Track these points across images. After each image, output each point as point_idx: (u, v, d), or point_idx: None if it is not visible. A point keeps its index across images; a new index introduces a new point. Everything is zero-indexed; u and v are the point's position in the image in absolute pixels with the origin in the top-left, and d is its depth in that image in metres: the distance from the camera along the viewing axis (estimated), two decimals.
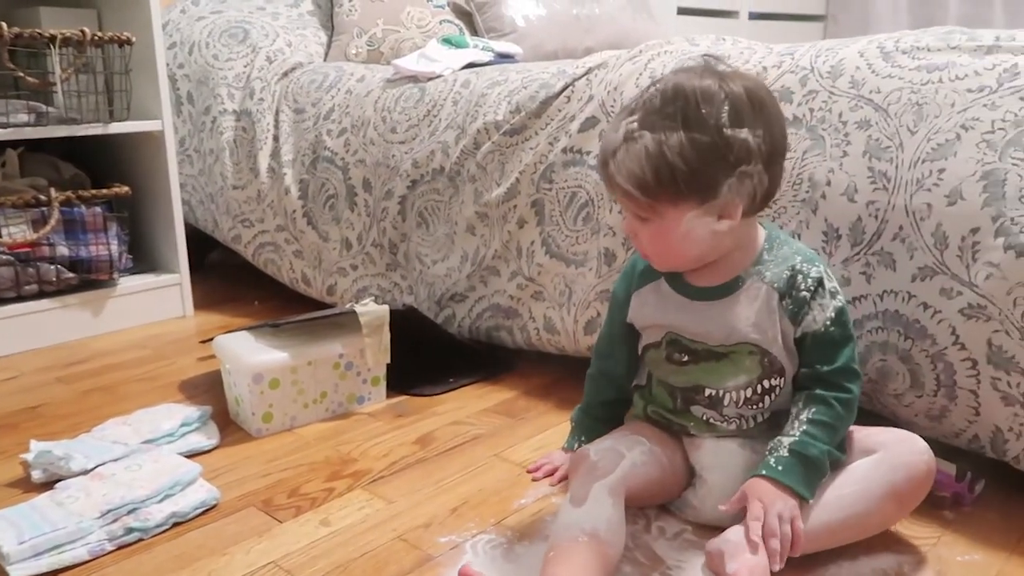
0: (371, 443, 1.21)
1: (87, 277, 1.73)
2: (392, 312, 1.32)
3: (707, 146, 0.83)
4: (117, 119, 1.75)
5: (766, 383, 0.93)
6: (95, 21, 1.86)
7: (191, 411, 1.24)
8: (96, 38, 1.66)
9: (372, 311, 1.30)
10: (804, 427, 0.89)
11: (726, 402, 0.94)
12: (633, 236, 0.92)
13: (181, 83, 2.01)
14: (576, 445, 1.06)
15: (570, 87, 1.37)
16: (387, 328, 1.31)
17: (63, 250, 1.68)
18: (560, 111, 1.36)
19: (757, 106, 0.86)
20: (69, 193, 1.68)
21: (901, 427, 1.05)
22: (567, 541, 0.83)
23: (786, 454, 0.88)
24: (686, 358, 0.95)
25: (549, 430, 1.25)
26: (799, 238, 1.08)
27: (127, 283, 1.80)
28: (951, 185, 0.97)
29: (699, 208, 0.86)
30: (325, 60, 2.08)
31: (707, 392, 0.95)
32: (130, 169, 1.87)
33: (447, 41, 1.79)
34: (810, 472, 0.87)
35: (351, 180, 1.66)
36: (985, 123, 0.97)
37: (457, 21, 2.22)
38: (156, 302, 1.84)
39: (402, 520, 1.00)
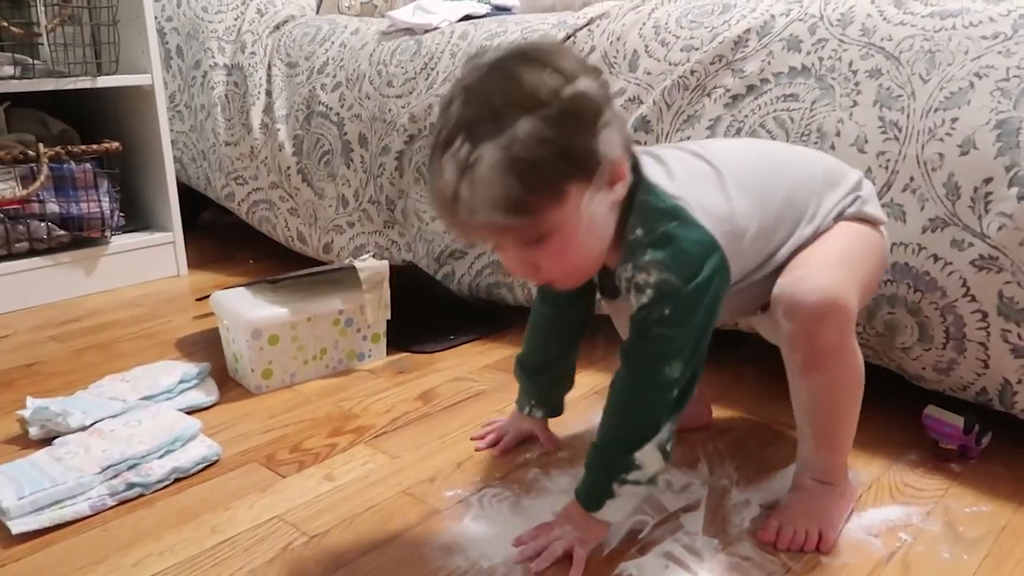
0: (373, 399, 1.20)
1: (79, 235, 1.70)
2: (392, 268, 1.30)
3: (559, 116, 0.69)
4: (105, 72, 1.71)
5: None
6: None
7: (189, 367, 1.23)
8: None
9: (372, 267, 1.28)
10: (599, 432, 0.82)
11: None
12: (533, 272, 0.76)
13: (170, 36, 1.96)
14: (527, 409, 1.04)
15: (572, 38, 1.33)
16: (387, 284, 1.30)
17: (53, 207, 1.65)
18: None
19: (558, 52, 0.73)
20: (58, 148, 1.65)
21: (909, 380, 1.04)
22: None
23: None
24: None
25: None
26: None
27: (119, 241, 1.78)
28: (964, 134, 0.95)
29: (590, 185, 0.73)
30: (318, 13, 2.03)
31: None
32: (120, 125, 1.83)
33: None
34: (590, 480, 0.81)
35: (347, 136, 1.63)
36: (1000, 71, 0.95)
37: None
38: (149, 261, 1.81)
39: (406, 475, 0.99)
